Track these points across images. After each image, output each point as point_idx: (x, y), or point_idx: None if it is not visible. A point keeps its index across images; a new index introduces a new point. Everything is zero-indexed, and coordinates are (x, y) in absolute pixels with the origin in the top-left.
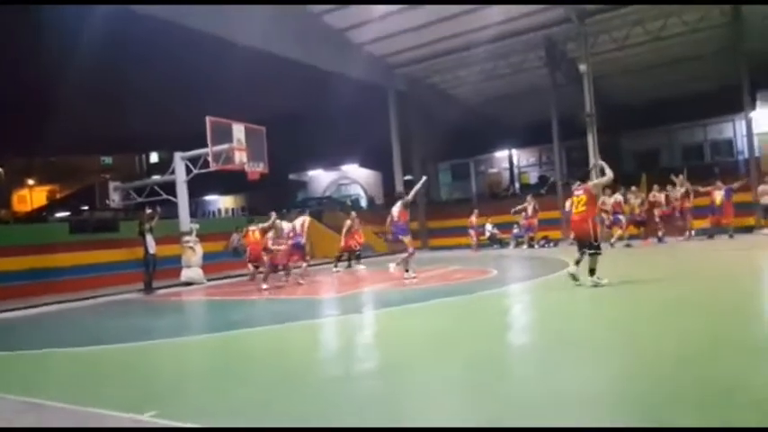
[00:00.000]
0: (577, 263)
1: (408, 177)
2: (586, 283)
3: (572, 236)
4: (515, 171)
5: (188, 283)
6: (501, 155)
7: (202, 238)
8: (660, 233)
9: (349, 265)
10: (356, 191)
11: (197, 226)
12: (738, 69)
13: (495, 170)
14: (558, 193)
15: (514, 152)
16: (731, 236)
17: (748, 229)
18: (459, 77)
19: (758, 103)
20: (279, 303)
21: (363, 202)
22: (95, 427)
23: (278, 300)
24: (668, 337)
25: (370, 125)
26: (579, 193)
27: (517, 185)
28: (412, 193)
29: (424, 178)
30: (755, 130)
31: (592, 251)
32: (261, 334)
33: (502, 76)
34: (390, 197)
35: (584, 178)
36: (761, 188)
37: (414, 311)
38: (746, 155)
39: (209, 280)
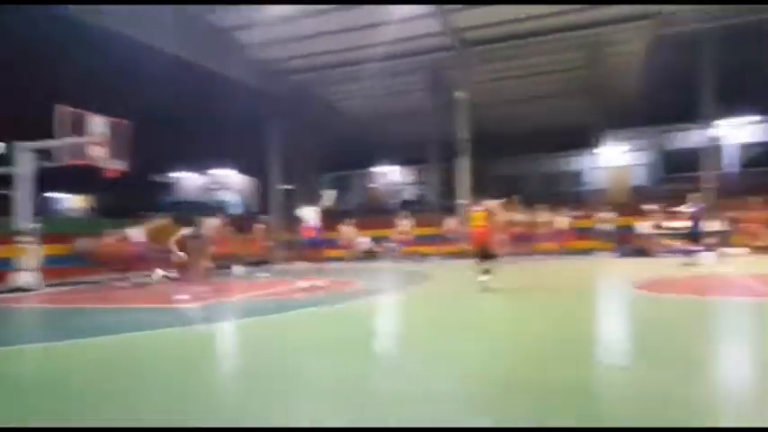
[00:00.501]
0: (486, 272)
1: (288, 186)
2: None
3: (473, 248)
4: (394, 187)
5: (20, 289)
6: (382, 170)
7: (45, 239)
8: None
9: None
10: (231, 196)
11: (38, 225)
12: (589, 109)
13: (375, 185)
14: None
15: (394, 169)
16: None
17: (587, 252)
18: (348, 91)
19: (607, 140)
20: (110, 314)
21: (237, 209)
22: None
23: (113, 309)
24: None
25: (252, 130)
26: (479, 209)
27: (395, 201)
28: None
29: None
30: (602, 164)
31: (491, 259)
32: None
33: (388, 94)
34: (265, 204)
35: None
36: (601, 215)
37: (269, 323)
38: (593, 186)
39: (49, 286)
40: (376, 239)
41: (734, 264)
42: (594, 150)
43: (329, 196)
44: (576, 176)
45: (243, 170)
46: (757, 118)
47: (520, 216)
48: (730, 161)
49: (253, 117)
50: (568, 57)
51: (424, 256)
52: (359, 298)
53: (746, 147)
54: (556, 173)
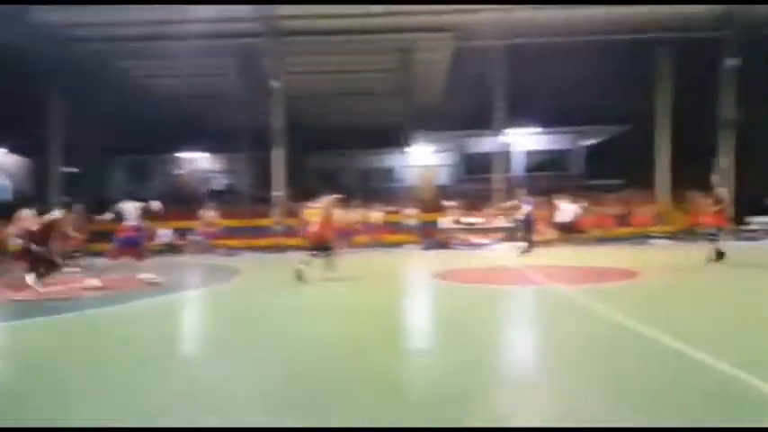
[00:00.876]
0: (307, 263)
1: (73, 170)
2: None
3: (311, 242)
4: (203, 176)
5: None
6: (189, 156)
7: None
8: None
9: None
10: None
11: None
12: (401, 110)
13: (181, 172)
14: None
15: (203, 156)
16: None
17: (398, 245)
18: (153, 67)
19: (417, 141)
20: None
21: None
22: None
23: None
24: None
25: (27, 103)
26: (316, 206)
27: (204, 190)
28: None
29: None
30: (412, 163)
31: (329, 253)
32: None
33: (198, 75)
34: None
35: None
36: (408, 211)
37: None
38: (404, 183)
39: None
40: (179, 231)
41: (523, 256)
42: (405, 150)
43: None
44: (388, 173)
45: (18, 150)
46: (539, 129)
47: (343, 212)
48: (518, 166)
49: (35, 89)
50: (381, 59)
51: (232, 249)
52: (148, 297)
53: (531, 154)
54: (370, 169)
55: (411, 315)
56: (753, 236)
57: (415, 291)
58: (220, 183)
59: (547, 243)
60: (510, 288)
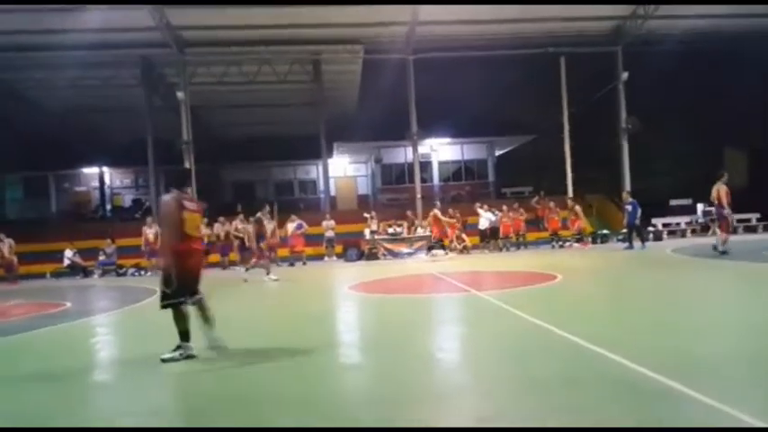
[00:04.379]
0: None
1: None
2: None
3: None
4: (107, 191)
5: None
6: (91, 172)
7: None
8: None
9: None
10: None
11: None
12: (318, 121)
13: (83, 188)
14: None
15: (106, 171)
16: (304, 263)
17: (319, 257)
18: (37, 79)
19: (335, 151)
20: None
21: None
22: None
23: None
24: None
25: None
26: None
27: (108, 207)
28: None
29: None
30: (331, 173)
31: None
32: None
33: (92, 87)
34: None
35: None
36: (326, 223)
37: None
38: (324, 193)
39: None
40: (83, 252)
41: (442, 262)
42: (324, 160)
43: None
44: (308, 184)
45: None
46: (454, 139)
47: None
48: (436, 175)
49: None
50: (293, 69)
51: (141, 268)
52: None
53: (448, 163)
54: (288, 180)
55: (325, 327)
56: (655, 235)
57: (332, 303)
58: (129, 198)
59: (468, 250)
60: (430, 296)
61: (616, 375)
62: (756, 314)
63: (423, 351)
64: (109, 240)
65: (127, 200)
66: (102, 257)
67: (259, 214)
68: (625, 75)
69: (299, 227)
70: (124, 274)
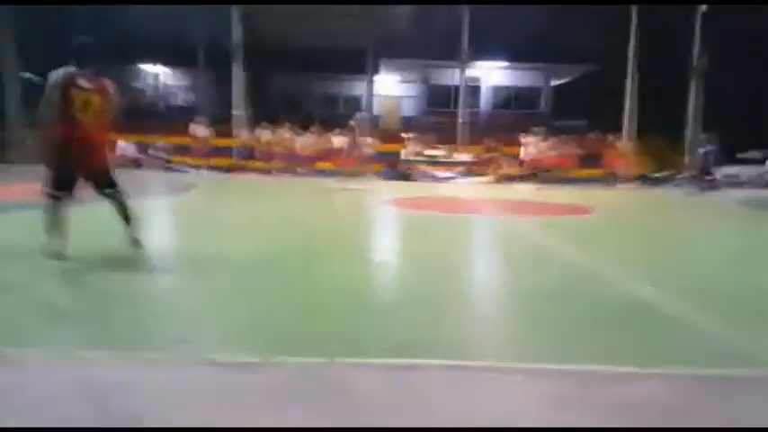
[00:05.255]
0: None
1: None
2: None
3: None
4: (161, 89)
5: None
6: (147, 69)
7: None
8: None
9: None
10: None
11: None
12: (366, 35)
13: (139, 85)
14: None
15: (161, 69)
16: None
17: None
18: None
19: (381, 69)
20: None
21: None
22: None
23: None
24: None
25: None
26: None
27: (163, 105)
28: None
29: None
30: (377, 92)
31: None
32: None
33: None
34: None
35: None
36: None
37: None
38: (368, 111)
39: None
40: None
41: (478, 189)
42: (370, 77)
43: None
44: (352, 100)
45: None
46: (508, 64)
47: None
48: (486, 101)
49: None
50: None
51: (191, 166)
52: None
53: (500, 89)
54: (334, 94)
55: (363, 235)
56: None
57: (369, 215)
58: (179, 99)
59: (513, 179)
60: (460, 216)
61: (615, 296)
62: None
63: (438, 265)
64: (196, 136)
65: (178, 99)
66: (151, 152)
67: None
68: (703, 6)
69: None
70: (174, 170)
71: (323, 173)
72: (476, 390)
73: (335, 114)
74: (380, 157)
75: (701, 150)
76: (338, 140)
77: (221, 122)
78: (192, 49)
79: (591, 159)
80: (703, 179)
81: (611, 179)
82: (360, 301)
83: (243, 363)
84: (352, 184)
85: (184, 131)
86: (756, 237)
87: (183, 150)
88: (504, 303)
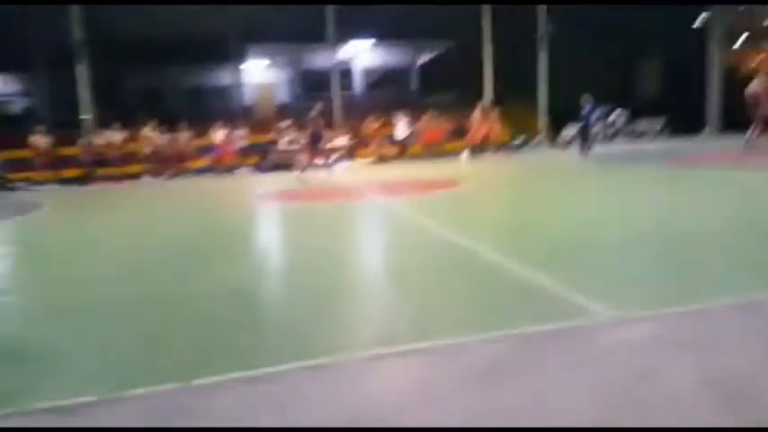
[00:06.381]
0: None
1: None
2: None
3: None
4: None
5: None
6: None
7: None
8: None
9: None
10: None
11: None
12: (231, 20)
13: None
14: None
15: None
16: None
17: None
18: None
19: (249, 55)
20: None
21: None
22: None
23: None
24: None
25: None
26: None
27: None
28: None
29: None
30: (247, 79)
31: None
32: None
33: None
34: None
35: None
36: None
37: None
38: (239, 101)
39: None
40: None
41: (356, 173)
42: (237, 65)
43: None
44: (222, 91)
45: None
46: (376, 41)
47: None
48: (358, 82)
49: None
50: None
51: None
52: None
53: (370, 70)
54: (200, 87)
55: (236, 235)
56: (565, 144)
57: (244, 212)
58: (14, 107)
59: (386, 159)
60: (336, 203)
61: (473, 263)
62: (636, 210)
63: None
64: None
65: (16, 108)
66: None
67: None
68: None
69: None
70: (12, 189)
71: (198, 172)
72: (343, 382)
73: (203, 107)
74: (257, 148)
75: (583, 114)
76: (217, 136)
77: (68, 128)
78: (26, 51)
79: (459, 132)
80: (584, 141)
81: (477, 149)
82: (231, 307)
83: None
84: (229, 180)
85: (24, 143)
86: (599, 190)
87: (22, 165)
88: (376, 288)
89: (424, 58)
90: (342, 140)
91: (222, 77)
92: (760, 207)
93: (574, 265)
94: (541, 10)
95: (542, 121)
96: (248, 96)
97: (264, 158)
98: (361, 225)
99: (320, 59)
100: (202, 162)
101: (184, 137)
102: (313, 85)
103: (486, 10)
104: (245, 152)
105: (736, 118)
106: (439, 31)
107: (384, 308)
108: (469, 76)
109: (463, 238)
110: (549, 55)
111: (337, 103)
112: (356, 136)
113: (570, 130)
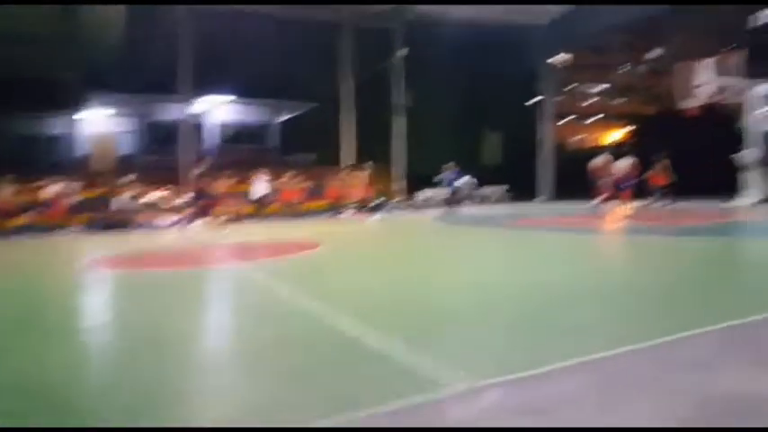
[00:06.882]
0: None
1: None
2: None
3: None
4: None
5: None
6: None
7: None
8: None
9: None
10: None
11: None
12: (73, 65)
13: None
14: None
15: None
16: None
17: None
18: None
19: (93, 102)
20: None
21: None
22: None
23: None
24: None
25: None
26: None
27: None
28: None
29: None
30: (88, 128)
31: None
32: None
33: None
34: None
35: None
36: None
37: None
38: (75, 152)
39: None
40: None
41: (208, 234)
42: (76, 113)
43: None
44: (59, 141)
45: None
46: (234, 99)
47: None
48: (212, 137)
49: None
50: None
51: None
52: None
53: (227, 125)
54: (33, 136)
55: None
56: (421, 206)
57: (64, 282)
58: None
59: (241, 218)
60: (178, 271)
61: (330, 335)
62: (474, 273)
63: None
64: None
65: None
66: None
67: None
68: (403, 51)
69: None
70: None
71: (19, 231)
72: None
73: (35, 158)
74: (91, 204)
75: (447, 179)
76: (49, 190)
77: None
78: None
79: (318, 192)
80: (451, 204)
81: (337, 209)
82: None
83: None
84: (57, 240)
85: None
86: (450, 251)
87: None
88: (210, 374)
89: (285, 116)
90: (190, 198)
91: (60, 125)
92: (593, 268)
93: (427, 332)
94: (398, 81)
95: (400, 183)
96: (86, 147)
97: (101, 215)
98: (205, 296)
99: (172, 112)
100: (24, 219)
101: (8, 191)
102: (164, 137)
103: (347, 75)
104: (78, 208)
105: (565, 186)
106: (302, 91)
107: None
108: (331, 136)
109: (318, 306)
110: (406, 123)
111: (188, 158)
112: (209, 193)
113: (427, 193)
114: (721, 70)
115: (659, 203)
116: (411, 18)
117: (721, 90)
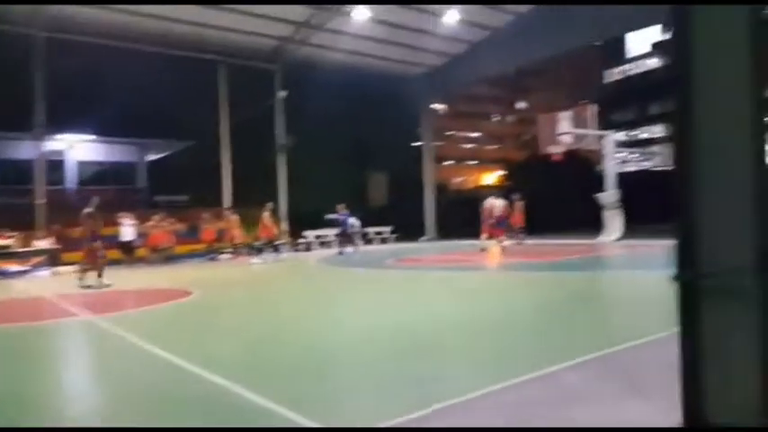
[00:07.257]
0: None
1: None
2: None
3: None
4: None
5: None
6: None
7: None
8: None
9: None
10: None
11: None
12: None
13: None
14: None
15: None
16: None
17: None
18: None
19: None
20: None
21: None
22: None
23: None
24: None
25: None
26: None
27: None
28: None
29: None
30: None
31: None
32: None
33: None
34: None
35: None
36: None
37: None
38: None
39: None
40: None
41: (65, 282)
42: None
43: None
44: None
45: None
46: (91, 137)
47: None
48: (69, 177)
49: None
50: None
51: None
52: None
53: (90, 164)
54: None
55: None
56: (305, 248)
57: None
58: None
59: (104, 264)
60: (25, 326)
61: (196, 391)
62: (346, 316)
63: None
64: None
65: None
66: None
67: None
68: (283, 93)
69: None
70: None
71: None
72: None
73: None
74: None
75: (339, 219)
76: None
77: None
78: None
79: (193, 234)
80: (342, 244)
81: (213, 252)
82: None
83: None
84: None
85: None
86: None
87: None
88: None
89: (155, 155)
90: (44, 243)
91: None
92: (468, 305)
93: (269, 378)
94: (280, 122)
95: (282, 224)
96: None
97: None
98: (55, 353)
99: (25, 150)
100: None
101: None
102: (14, 178)
103: (224, 115)
104: None
105: (448, 226)
106: (176, 130)
107: None
108: (210, 176)
109: (184, 360)
110: (287, 164)
111: (42, 199)
112: (66, 237)
113: (311, 234)
114: (578, 121)
115: (514, 241)
116: (291, 60)
117: (580, 138)
